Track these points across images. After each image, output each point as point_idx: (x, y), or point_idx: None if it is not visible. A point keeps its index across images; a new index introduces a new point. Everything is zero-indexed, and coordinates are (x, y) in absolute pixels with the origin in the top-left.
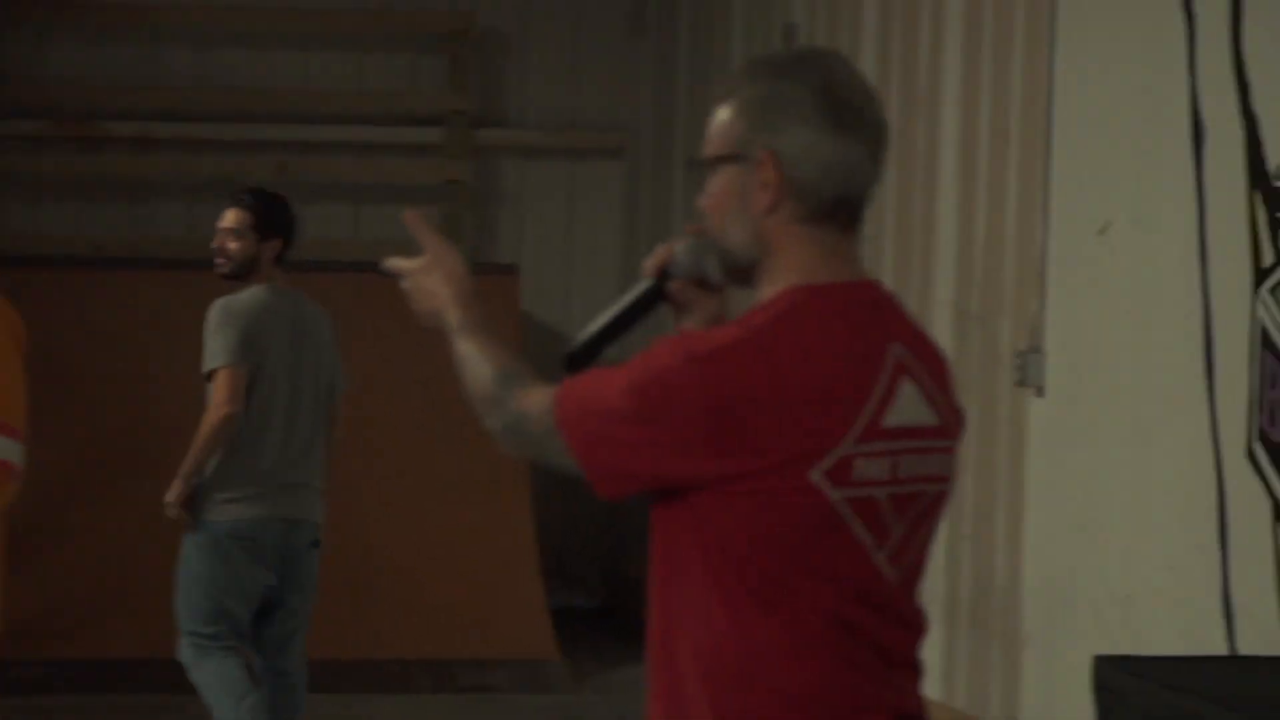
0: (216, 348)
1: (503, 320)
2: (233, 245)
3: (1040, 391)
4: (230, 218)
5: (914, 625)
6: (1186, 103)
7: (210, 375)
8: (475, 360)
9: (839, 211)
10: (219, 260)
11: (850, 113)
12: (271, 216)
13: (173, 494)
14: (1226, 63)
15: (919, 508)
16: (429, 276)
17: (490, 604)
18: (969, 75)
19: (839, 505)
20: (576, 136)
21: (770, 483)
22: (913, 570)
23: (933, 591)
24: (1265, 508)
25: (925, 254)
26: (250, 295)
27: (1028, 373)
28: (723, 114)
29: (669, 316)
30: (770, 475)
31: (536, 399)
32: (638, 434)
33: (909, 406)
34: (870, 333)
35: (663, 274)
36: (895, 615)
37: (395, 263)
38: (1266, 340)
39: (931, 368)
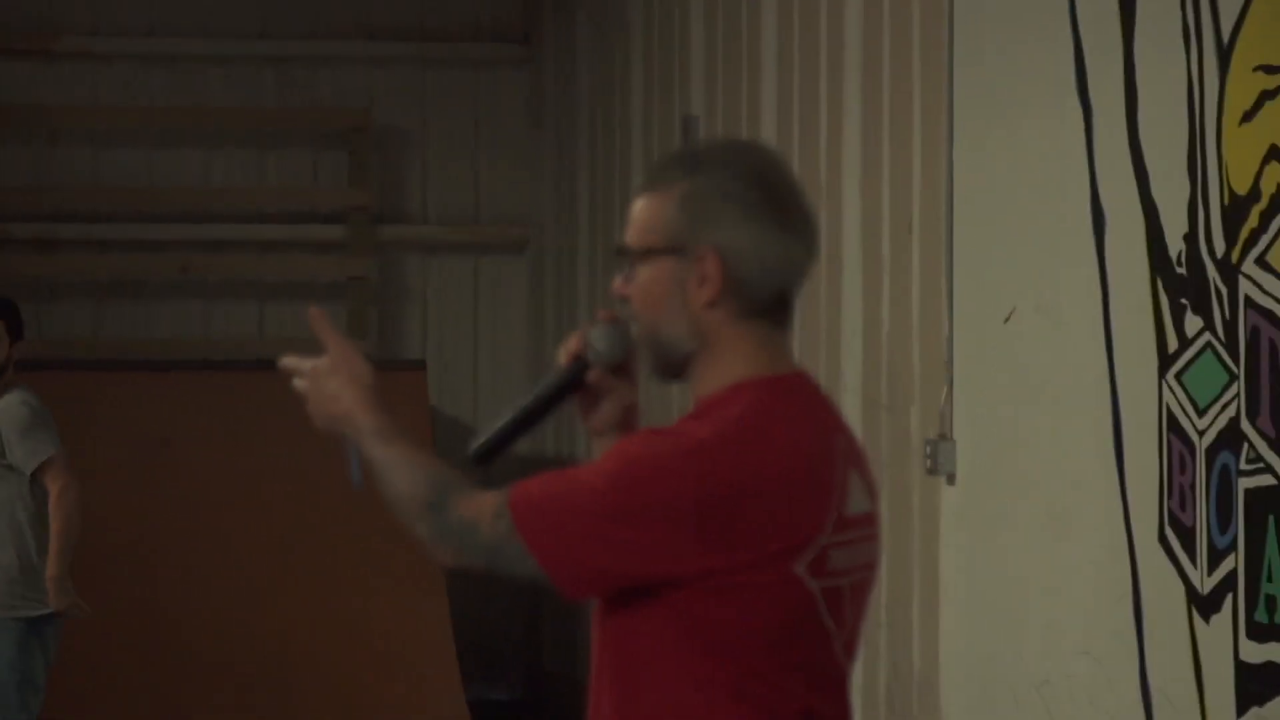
0: (44, 439)
1: (411, 416)
2: None
3: (951, 479)
4: None
5: (851, 712)
6: (1086, 190)
7: (40, 468)
8: (401, 466)
9: (776, 307)
10: None
11: (790, 210)
12: (16, 321)
13: (65, 596)
14: (1124, 151)
15: (864, 595)
16: (332, 378)
17: (408, 697)
18: (869, 166)
19: (816, 596)
20: (479, 231)
21: (757, 577)
22: (854, 657)
23: (851, 680)
24: (1179, 592)
25: (832, 343)
26: (30, 394)
27: (938, 461)
28: (655, 204)
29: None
30: (757, 569)
31: (484, 504)
32: (621, 533)
33: (857, 495)
34: (822, 424)
35: (578, 361)
36: (845, 704)
37: (291, 361)
38: (1174, 425)
39: (860, 454)
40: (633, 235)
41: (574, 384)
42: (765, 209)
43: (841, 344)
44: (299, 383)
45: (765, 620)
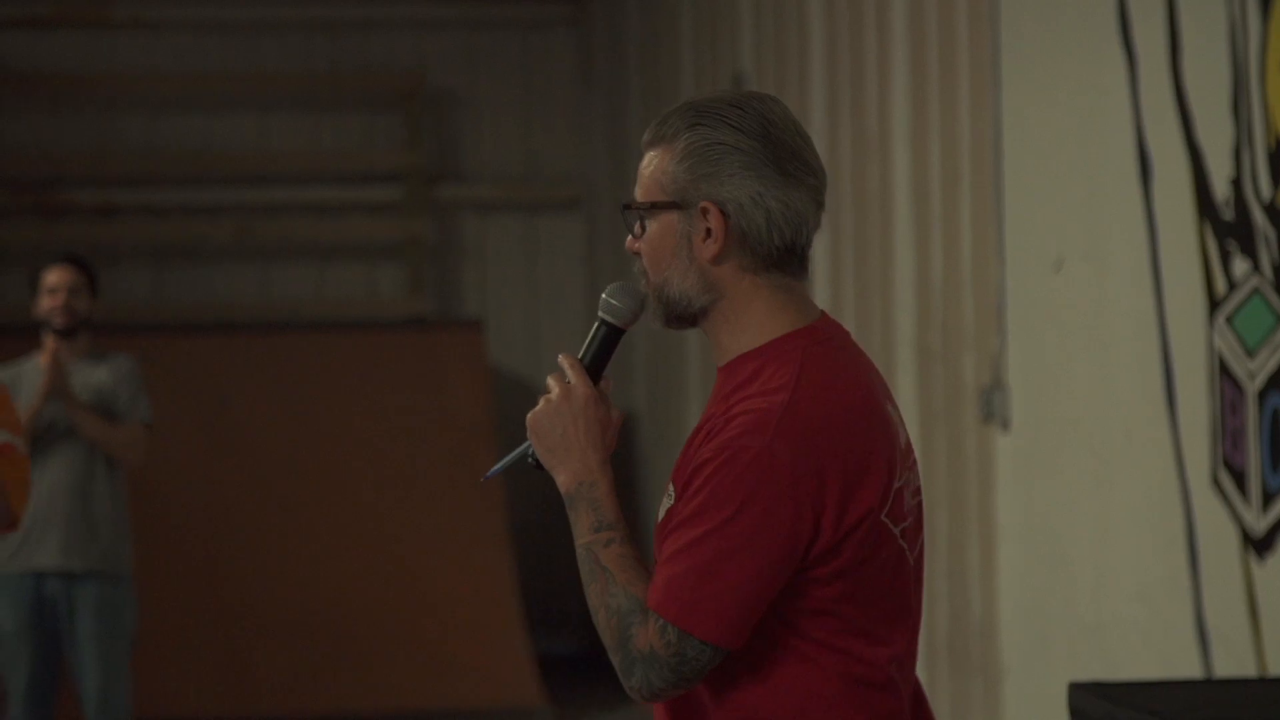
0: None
1: (471, 375)
2: (80, 304)
3: (1006, 426)
4: (72, 277)
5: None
6: (1132, 137)
7: (146, 426)
8: (599, 577)
9: (788, 259)
10: (62, 319)
11: (793, 160)
12: (94, 276)
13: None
14: (1168, 96)
15: (922, 525)
16: (575, 422)
17: (474, 652)
18: (917, 118)
19: (898, 539)
20: (533, 189)
21: (858, 535)
22: (922, 589)
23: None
24: (1233, 533)
25: (885, 294)
26: None
27: (992, 408)
28: (658, 159)
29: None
30: (855, 529)
31: (648, 626)
32: (753, 563)
33: (899, 428)
34: (861, 367)
35: (602, 326)
36: (916, 640)
37: (559, 375)
38: (1224, 368)
39: (887, 387)
40: (639, 190)
41: (607, 349)
42: (765, 160)
43: (894, 296)
44: (544, 399)
45: (864, 575)
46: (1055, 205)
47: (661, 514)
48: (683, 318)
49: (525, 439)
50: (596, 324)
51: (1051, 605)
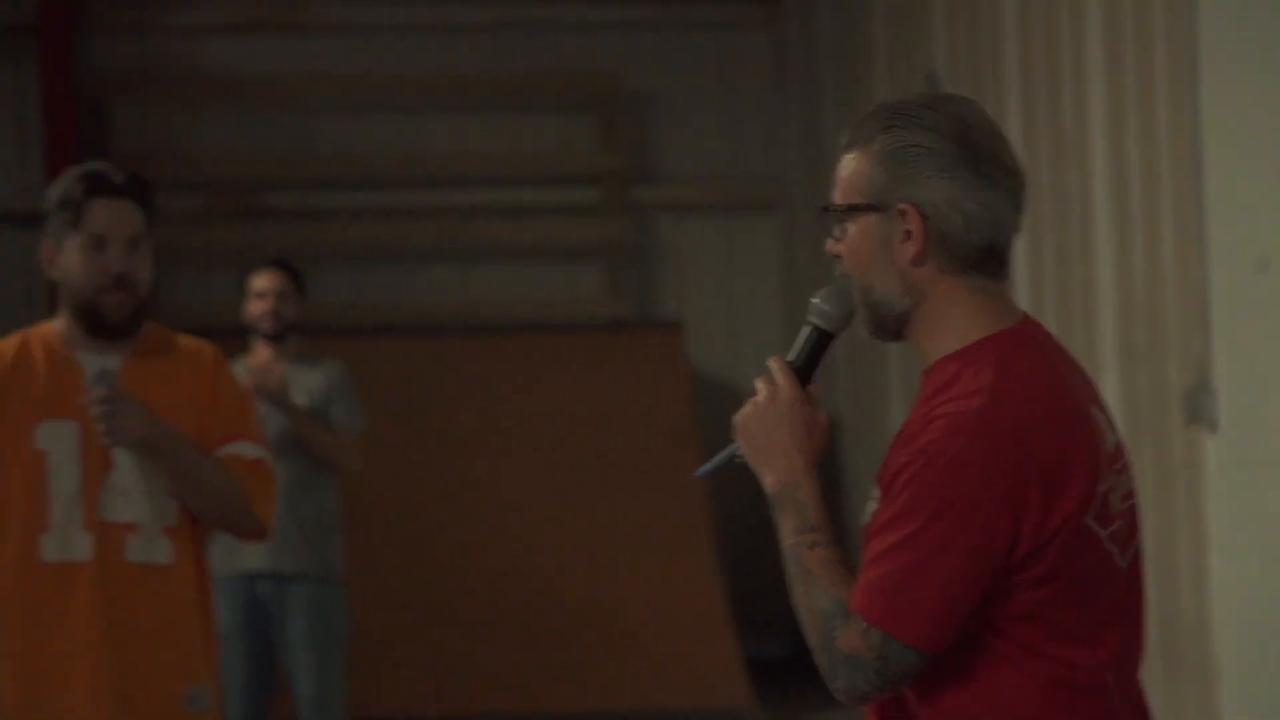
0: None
1: (672, 376)
2: (287, 308)
3: (1213, 428)
4: (280, 281)
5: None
6: None
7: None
8: (804, 581)
9: (987, 261)
10: (270, 324)
11: (990, 161)
12: (303, 281)
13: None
14: None
15: (1138, 528)
16: (782, 425)
17: (681, 652)
18: (1115, 118)
19: (1107, 543)
20: (729, 190)
21: (1061, 539)
22: (1144, 590)
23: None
24: None
25: (1086, 296)
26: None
27: (1199, 410)
28: (856, 161)
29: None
30: (1058, 533)
31: (851, 630)
32: (953, 563)
33: (1106, 431)
34: (1064, 370)
35: (813, 330)
36: (1140, 644)
37: (765, 377)
38: None
39: (1095, 388)
40: (837, 193)
41: (817, 353)
42: (961, 162)
43: (1096, 296)
44: (751, 401)
45: (1070, 579)
46: (1259, 204)
47: (867, 516)
48: (887, 324)
49: (726, 440)
50: (808, 328)
51: (1270, 608)
